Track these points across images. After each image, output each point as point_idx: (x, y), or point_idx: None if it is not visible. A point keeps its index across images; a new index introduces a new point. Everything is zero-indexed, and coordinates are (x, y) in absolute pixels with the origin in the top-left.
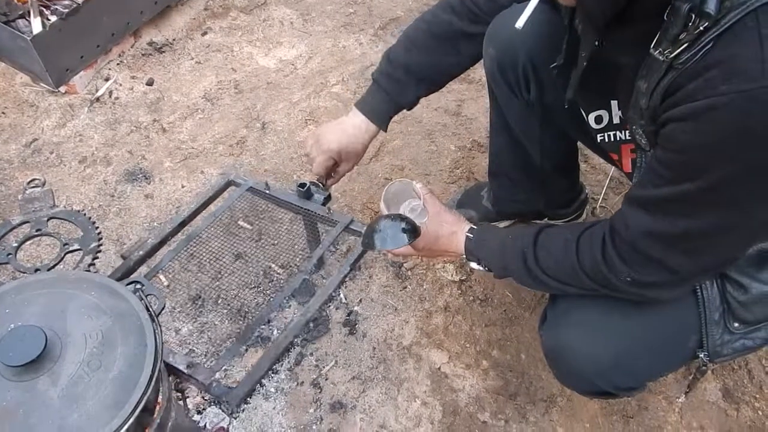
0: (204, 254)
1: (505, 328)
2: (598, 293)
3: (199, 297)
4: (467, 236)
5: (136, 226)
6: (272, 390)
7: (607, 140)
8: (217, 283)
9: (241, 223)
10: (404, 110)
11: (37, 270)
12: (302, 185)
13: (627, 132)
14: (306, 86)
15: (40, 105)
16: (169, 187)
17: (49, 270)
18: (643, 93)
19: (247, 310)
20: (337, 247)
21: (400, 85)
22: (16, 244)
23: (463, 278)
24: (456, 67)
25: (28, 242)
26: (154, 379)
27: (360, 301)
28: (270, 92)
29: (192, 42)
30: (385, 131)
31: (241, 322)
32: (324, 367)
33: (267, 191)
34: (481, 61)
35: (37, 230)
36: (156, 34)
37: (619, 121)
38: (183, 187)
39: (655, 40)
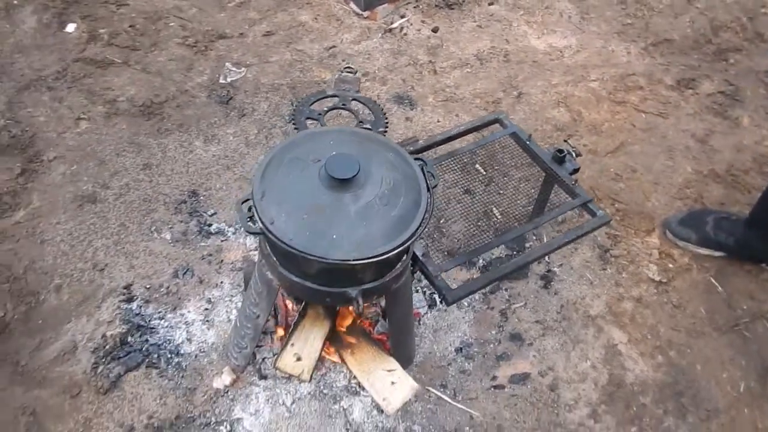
0: (441, 177)
1: (689, 337)
2: None
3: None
4: None
5: (393, 140)
6: (465, 303)
7: None
8: (446, 207)
9: (477, 166)
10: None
11: None
12: (560, 150)
13: None
14: (567, 74)
15: (345, 21)
16: (426, 117)
17: None
18: None
19: (460, 236)
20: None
21: None
22: (325, 109)
23: (663, 281)
24: None
25: (331, 112)
26: (418, 233)
27: (561, 264)
28: (533, 69)
29: (479, 8)
30: None
31: (456, 241)
32: (514, 303)
33: (528, 141)
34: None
35: (342, 104)
36: None
37: None
38: (438, 121)
39: None
